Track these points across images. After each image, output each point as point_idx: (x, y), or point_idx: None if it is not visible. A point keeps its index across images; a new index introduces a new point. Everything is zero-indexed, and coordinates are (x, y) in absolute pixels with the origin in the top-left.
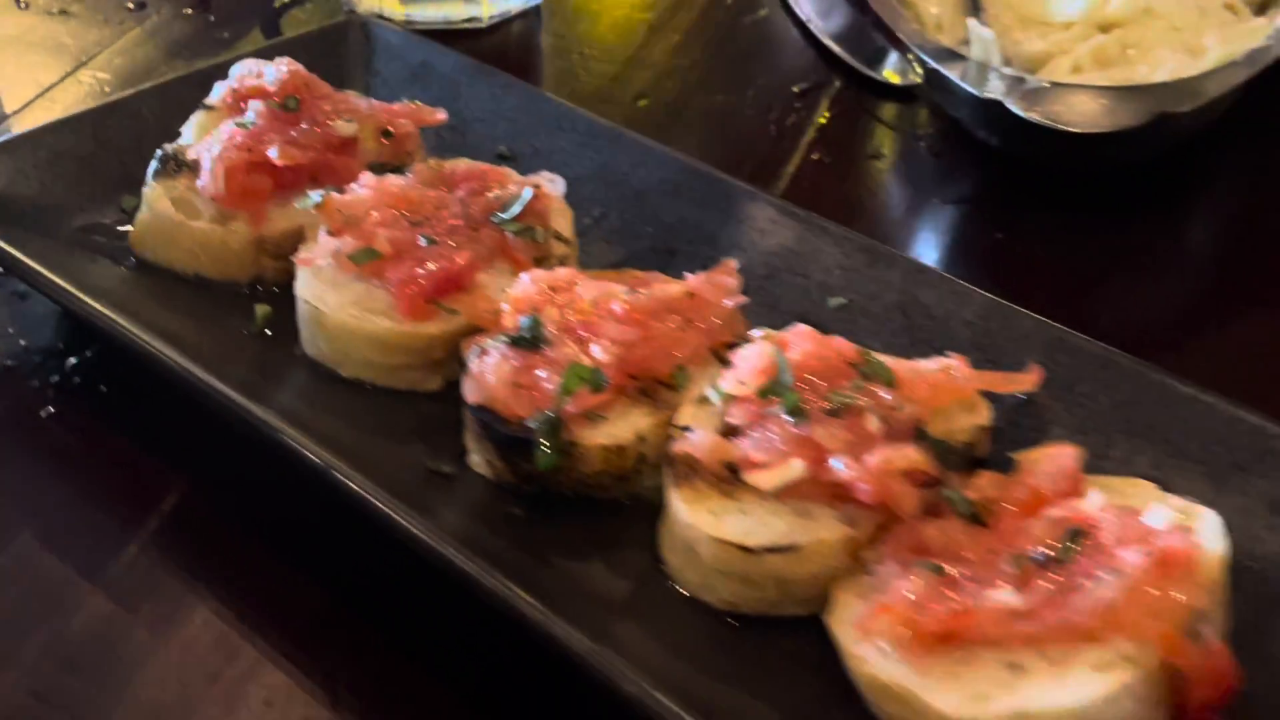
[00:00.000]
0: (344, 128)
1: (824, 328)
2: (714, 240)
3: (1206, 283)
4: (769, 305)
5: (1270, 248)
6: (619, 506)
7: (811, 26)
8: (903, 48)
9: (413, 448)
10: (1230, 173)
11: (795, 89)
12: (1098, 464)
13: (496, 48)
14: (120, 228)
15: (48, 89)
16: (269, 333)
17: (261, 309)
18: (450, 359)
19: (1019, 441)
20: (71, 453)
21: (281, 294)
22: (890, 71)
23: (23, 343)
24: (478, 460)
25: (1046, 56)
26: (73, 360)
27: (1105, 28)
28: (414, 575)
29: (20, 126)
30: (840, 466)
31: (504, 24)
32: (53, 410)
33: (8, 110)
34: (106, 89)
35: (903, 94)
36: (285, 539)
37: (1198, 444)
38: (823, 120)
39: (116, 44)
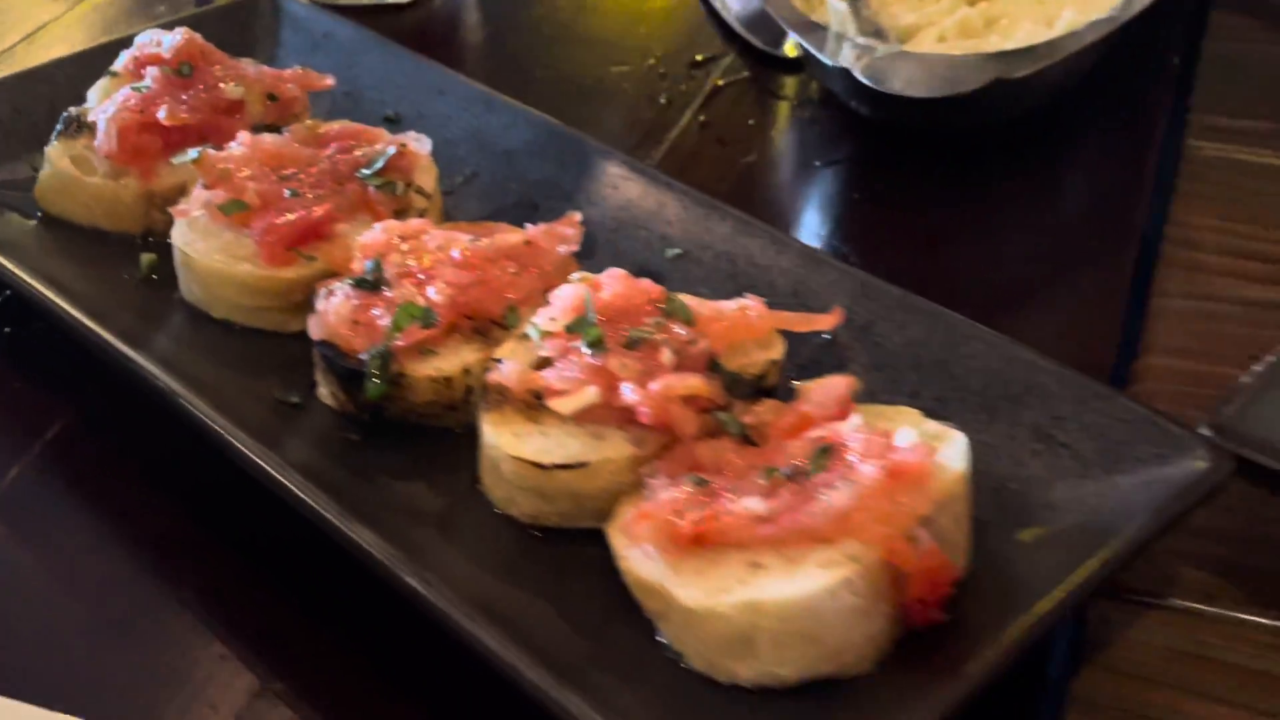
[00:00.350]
0: (231, 91)
1: (661, 275)
2: (571, 196)
3: (1046, 243)
4: (614, 255)
5: (1113, 211)
6: (452, 435)
7: (715, 3)
8: None
9: (267, 382)
10: (1094, 138)
11: (699, 57)
12: (889, 396)
13: (419, 24)
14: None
15: None
16: (155, 278)
17: (147, 257)
18: (310, 302)
19: (821, 376)
20: None
21: (170, 244)
22: (791, 45)
23: None
24: (324, 392)
25: (917, 28)
26: None
27: (973, 1)
28: (271, 502)
29: None
30: (628, 392)
31: (425, 1)
32: None
33: None
34: None
35: (796, 66)
36: (154, 466)
37: (977, 377)
38: (712, 90)
39: (64, 17)
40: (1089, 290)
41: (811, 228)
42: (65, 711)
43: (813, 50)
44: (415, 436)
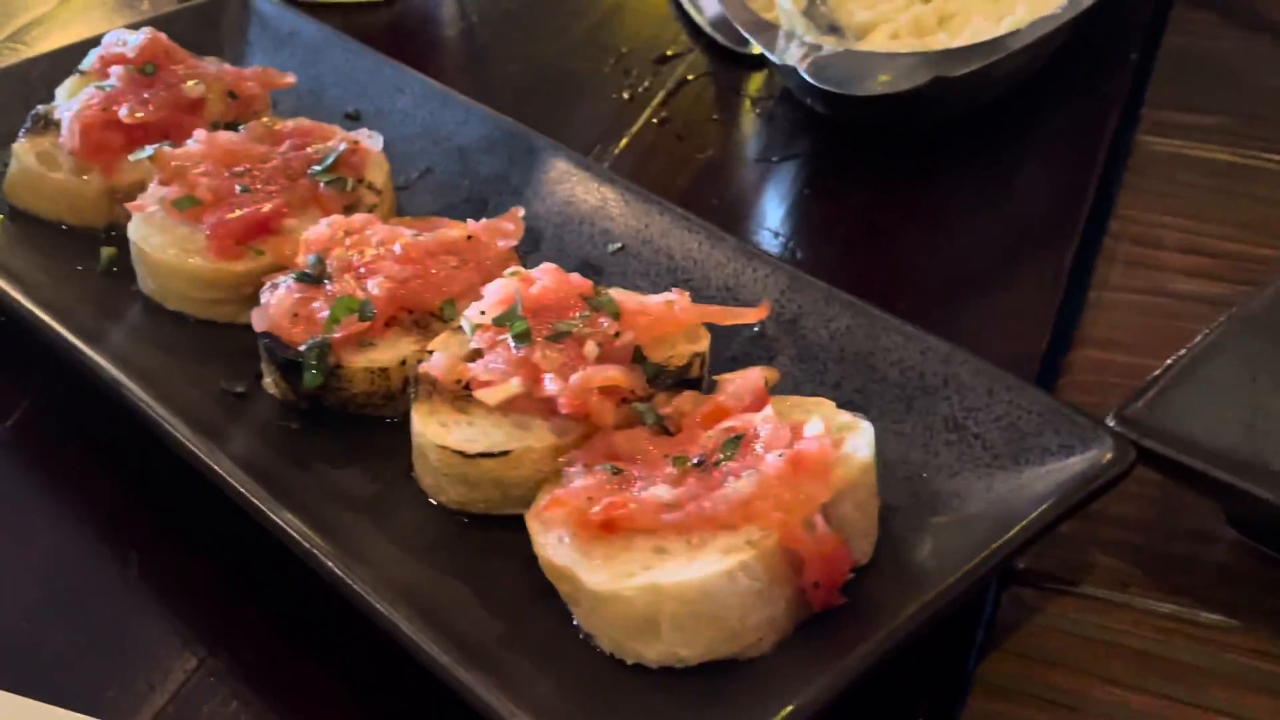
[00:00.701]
0: (192, 90)
1: (602, 269)
2: (520, 192)
3: (992, 238)
4: (559, 249)
5: (1060, 206)
6: (391, 424)
7: (686, 5)
8: None
9: (215, 372)
10: (1049, 134)
11: (669, 52)
12: (812, 388)
13: (394, 20)
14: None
15: None
16: (115, 271)
17: (107, 251)
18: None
19: (749, 367)
20: None
21: None
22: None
23: None
24: (268, 382)
25: (872, 25)
26: None
27: None
28: (214, 487)
29: None
30: (549, 383)
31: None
32: None
33: None
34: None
35: (762, 64)
36: (106, 451)
37: (896, 369)
38: (675, 86)
39: (55, 14)
40: (1030, 284)
41: (761, 222)
42: (7, 689)
43: (764, 49)
44: (354, 425)
